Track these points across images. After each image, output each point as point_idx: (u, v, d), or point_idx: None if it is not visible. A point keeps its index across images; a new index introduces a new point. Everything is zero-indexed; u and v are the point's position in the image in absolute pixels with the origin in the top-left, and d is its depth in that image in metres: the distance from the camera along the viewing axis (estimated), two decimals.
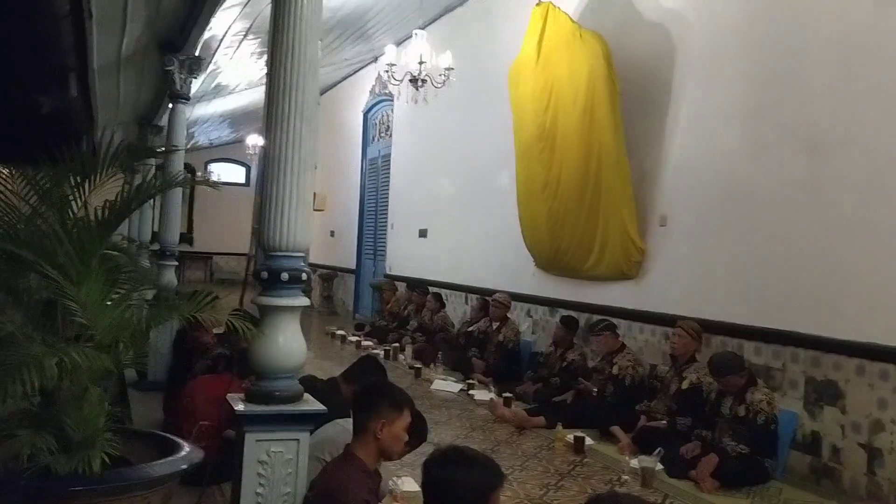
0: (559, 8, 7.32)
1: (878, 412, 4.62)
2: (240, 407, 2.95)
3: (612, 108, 6.71)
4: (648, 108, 6.75)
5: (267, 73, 3.08)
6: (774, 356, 5.39)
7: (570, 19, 7.21)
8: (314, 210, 3.18)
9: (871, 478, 4.63)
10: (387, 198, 12.83)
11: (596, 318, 6.89)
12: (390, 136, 12.80)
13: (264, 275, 2.93)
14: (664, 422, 5.58)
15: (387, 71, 8.21)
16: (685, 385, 5.57)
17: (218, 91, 11.68)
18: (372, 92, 13.39)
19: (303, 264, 2.99)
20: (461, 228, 10.07)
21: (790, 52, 5.43)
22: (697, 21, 6.33)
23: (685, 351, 5.72)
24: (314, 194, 3.28)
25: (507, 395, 6.73)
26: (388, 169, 12.81)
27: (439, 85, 8.22)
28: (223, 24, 7.74)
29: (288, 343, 2.96)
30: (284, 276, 2.91)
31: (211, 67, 9.00)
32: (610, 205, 6.85)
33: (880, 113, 4.72)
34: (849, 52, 4.97)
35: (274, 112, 2.96)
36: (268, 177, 2.96)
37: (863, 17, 4.92)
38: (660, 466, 4.86)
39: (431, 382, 7.64)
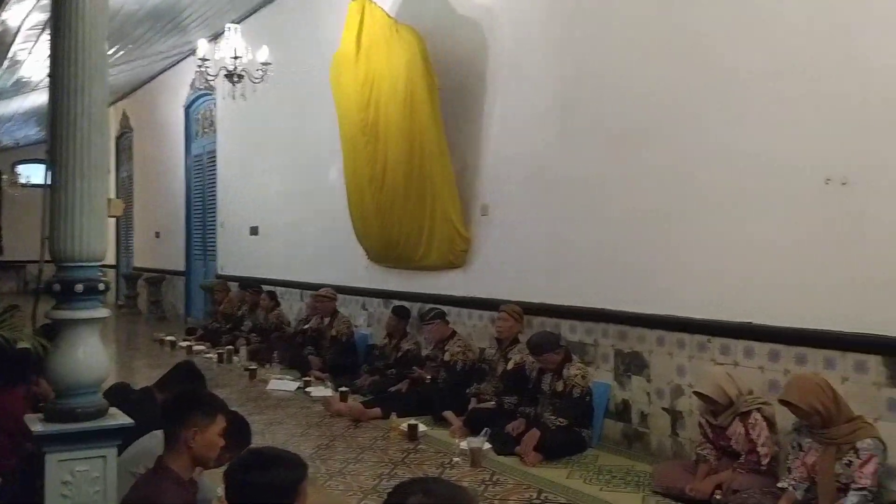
0: (375, 3, 7.37)
1: (678, 378, 5.06)
2: (38, 427, 2.79)
3: (432, 102, 6.87)
4: (467, 101, 6.96)
5: (49, 75, 2.91)
6: (587, 333, 5.76)
7: (387, 14, 7.29)
8: (109, 216, 3.03)
9: (675, 439, 5.07)
10: (214, 196, 12.41)
11: (428, 306, 7.05)
12: (214, 131, 12.37)
13: (56, 287, 2.77)
14: (493, 403, 5.81)
15: (200, 66, 7.94)
16: (510, 365, 5.84)
17: (20, 87, 10.81)
18: (192, 86, 12.85)
19: (99, 273, 2.86)
20: (293, 224, 9.94)
21: (593, 50, 5.78)
22: (507, 18, 6.59)
23: (509, 333, 5.98)
24: (108, 200, 3.13)
25: (344, 389, 6.75)
26: (215, 166, 12.38)
27: (257, 80, 8.05)
28: (17, 17, 7.17)
29: (88, 357, 2.83)
30: (79, 287, 2.77)
31: (7, 63, 8.30)
32: (435, 196, 7.02)
33: (677, 107, 5.12)
34: (645, 51, 5.36)
35: (59, 116, 2.80)
36: (56, 183, 2.80)
37: (652, 17, 5.32)
38: (488, 446, 5.08)
39: (268, 383, 7.53)
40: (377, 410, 6.15)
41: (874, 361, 3.99)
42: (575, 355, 5.51)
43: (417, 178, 7.11)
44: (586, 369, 5.38)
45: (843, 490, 3.64)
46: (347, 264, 8.70)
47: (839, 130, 4.17)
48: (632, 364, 5.40)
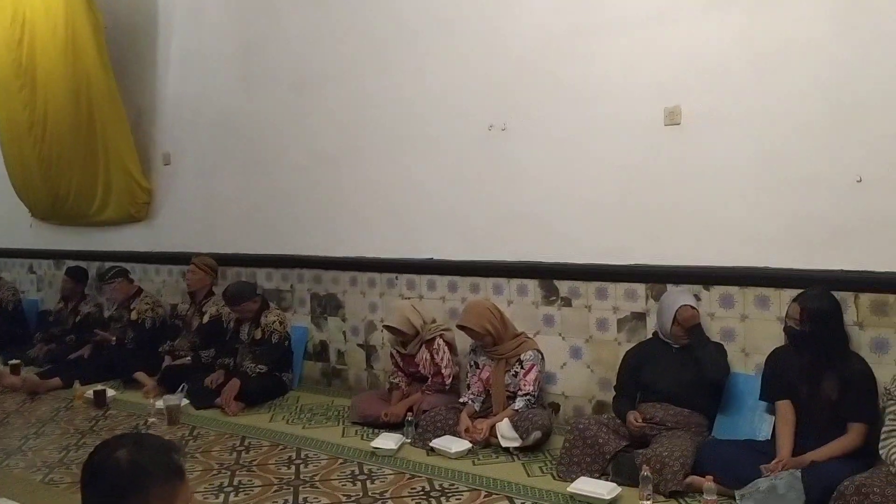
0: None
1: (371, 315, 5.38)
2: None
3: (97, 42, 6.31)
4: (139, 42, 6.50)
5: None
6: (283, 279, 5.84)
7: None
8: None
9: (370, 371, 5.40)
10: None
11: (108, 265, 6.57)
12: None
13: None
14: (188, 358, 5.66)
15: None
16: (206, 319, 5.72)
17: None
18: None
19: None
20: None
21: None
22: None
23: (201, 286, 5.84)
24: None
25: (15, 361, 6.08)
26: None
27: None
28: None
29: None
30: None
31: None
32: (108, 145, 6.51)
33: (357, 54, 5.27)
34: None
35: None
36: None
37: None
38: (186, 402, 4.96)
39: None
40: (56, 380, 5.66)
41: (532, 285, 4.61)
42: (272, 302, 5.57)
43: (86, 126, 6.52)
44: (284, 315, 5.46)
45: (513, 398, 4.21)
46: (7, 222, 7.74)
47: (499, 83, 4.66)
48: (328, 306, 5.60)
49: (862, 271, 3.51)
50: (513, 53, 4.55)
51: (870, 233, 3.50)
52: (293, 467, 3.92)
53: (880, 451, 3.04)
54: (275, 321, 5.28)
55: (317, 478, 3.76)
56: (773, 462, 3.23)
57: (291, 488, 3.63)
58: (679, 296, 3.89)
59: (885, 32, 3.44)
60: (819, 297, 3.40)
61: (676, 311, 3.79)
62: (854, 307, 3.54)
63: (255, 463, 4.02)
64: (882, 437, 3.05)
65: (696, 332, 3.79)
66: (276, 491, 3.61)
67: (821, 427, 3.30)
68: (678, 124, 4.00)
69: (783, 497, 3.06)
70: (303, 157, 5.61)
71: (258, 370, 5.13)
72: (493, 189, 4.70)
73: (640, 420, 3.66)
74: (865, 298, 3.52)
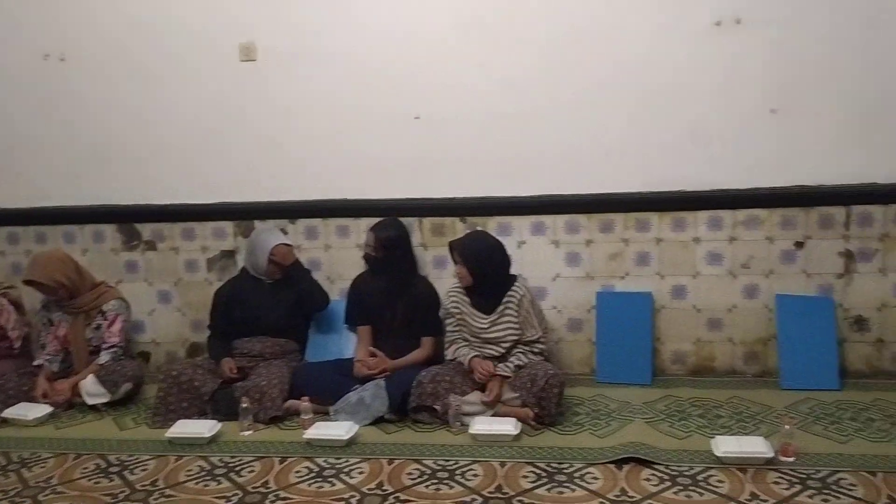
0: None
1: None
2: None
3: None
4: None
5: None
6: None
7: None
8: None
9: None
10: None
11: None
12: None
13: None
14: None
15: None
16: None
17: None
18: None
19: None
20: None
21: None
22: None
23: None
24: None
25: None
26: None
27: None
28: None
29: None
30: None
31: None
32: None
33: None
34: None
35: None
36: None
37: None
38: None
39: None
40: None
41: (110, 230, 4.29)
42: None
43: None
44: None
45: (97, 352, 3.90)
46: None
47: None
48: None
49: (425, 198, 3.98)
50: None
51: (427, 165, 3.95)
52: None
53: (446, 354, 3.56)
54: None
55: None
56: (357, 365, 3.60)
57: None
58: (271, 235, 3.94)
59: None
60: (391, 226, 3.78)
61: (271, 250, 3.85)
62: (419, 231, 4.00)
63: None
64: (446, 345, 3.60)
65: (296, 267, 3.91)
66: None
67: (400, 343, 3.72)
68: (254, 60, 4.02)
69: (370, 406, 3.40)
70: None
71: None
72: (57, 126, 4.22)
73: (234, 370, 3.68)
74: (427, 222, 4.00)
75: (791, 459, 2.84)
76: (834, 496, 2.59)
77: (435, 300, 3.81)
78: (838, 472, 2.75)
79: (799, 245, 3.71)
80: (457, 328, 3.58)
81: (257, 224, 4.13)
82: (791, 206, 3.68)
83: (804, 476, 2.74)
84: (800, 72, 3.58)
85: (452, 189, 3.96)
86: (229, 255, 4.20)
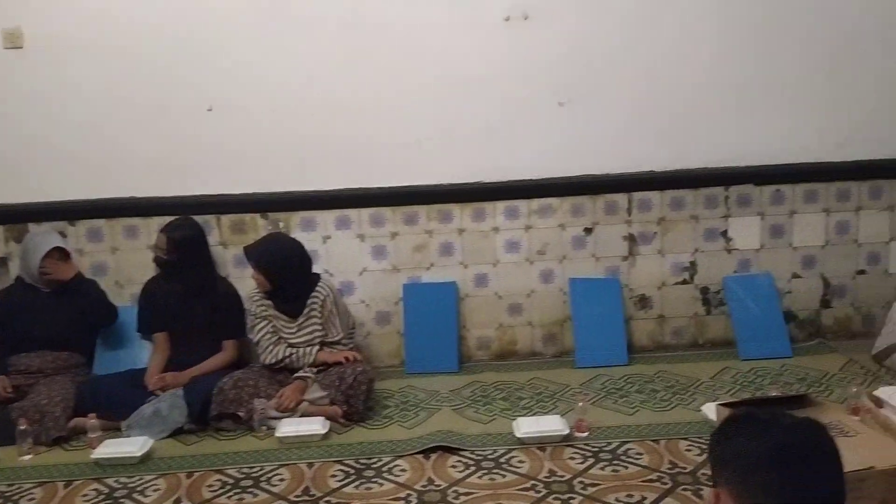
0: None
1: None
2: None
3: None
4: None
5: None
6: None
7: None
8: None
9: None
10: None
11: None
12: None
13: None
14: None
15: None
16: None
17: None
18: None
19: None
20: None
21: None
22: None
23: None
24: None
25: None
26: None
27: None
28: None
29: None
30: None
31: None
32: None
33: None
34: None
35: None
36: None
37: None
38: None
39: None
40: None
41: None
42: None
43: None
44: None
45: None
46: None
47: None
48: None
49: (220, 194, 3.79)
50: None
51: (223, 159, 3.77)
52: None
53: (262, 358, 3.41)
54: None
55: None
56: (154, 379, 3.36)
57: None
58: (45, 238, 3.58)
59: None
60: (183, 225, 3.55)
61: (42, 262, 3.48)
62: (218, 229, 3.81)
63: None
64: (267, 350, 3.42)
65: (77, 279, 3.57)
66: None
67: (199, 349, 3.51)
68: (20, 48, 3.63)
69: (167, 417, 3.20)
70: None
71: None
72: None
73: (9, 389, 3.31)
74: (226, 220, 3.82)
75: (585, 434, 3.00)
76: (623, 466, 2.78)
77: (237, 301, 3.64)
78: (627, 442, 2.95)
79: (588, 231, 3.93)
80: (272, 330, 3.44)
81: (32, 228, 3.74)
82: (580, 194, 3.89)
83: (597, 449, 2.91)
84: (585, 67, 3.78)
85: (252, 185, 3.80)
86: (2, 262, 3.79)
